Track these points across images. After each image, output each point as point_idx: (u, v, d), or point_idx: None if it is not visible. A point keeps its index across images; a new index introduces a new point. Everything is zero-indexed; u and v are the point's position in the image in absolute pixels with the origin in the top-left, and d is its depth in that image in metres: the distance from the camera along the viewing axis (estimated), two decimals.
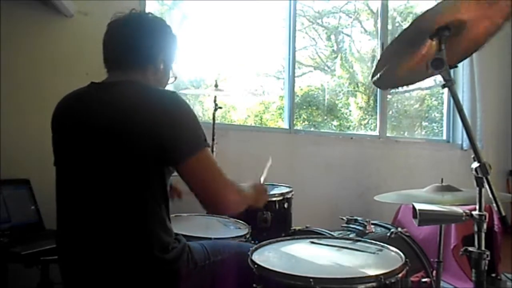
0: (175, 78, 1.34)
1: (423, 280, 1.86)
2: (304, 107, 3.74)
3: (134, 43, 1.20)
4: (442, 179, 1.65)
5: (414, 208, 1.11)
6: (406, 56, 1.21)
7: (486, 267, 1.05)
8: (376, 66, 1.25)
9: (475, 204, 1.06)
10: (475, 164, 1.03)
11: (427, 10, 1.05)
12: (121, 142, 1.08)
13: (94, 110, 1.14)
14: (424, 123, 4.64)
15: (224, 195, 1.10)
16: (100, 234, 1.10)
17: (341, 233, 1.97)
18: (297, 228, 2.02)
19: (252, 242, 1.63)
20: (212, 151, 2.26)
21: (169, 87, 1.37)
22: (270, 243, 1.42)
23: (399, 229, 2.05)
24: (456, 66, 1.23)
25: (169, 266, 1.12)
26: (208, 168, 1.10)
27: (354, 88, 4.09)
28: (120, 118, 1.09)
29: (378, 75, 1.25)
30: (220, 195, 1.09)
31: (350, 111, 4.07)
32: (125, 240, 1.09)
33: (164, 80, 1.30)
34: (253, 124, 3.56)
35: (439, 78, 1.09)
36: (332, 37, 4.05)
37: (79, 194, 1.13)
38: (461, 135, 4.17)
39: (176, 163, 1.09)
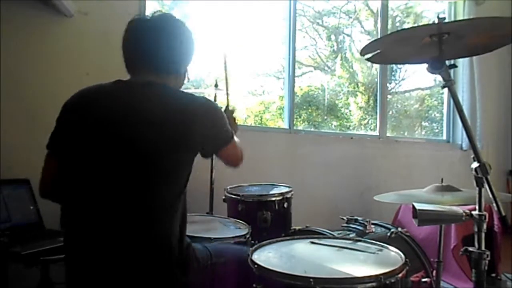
0: (188, 79, 1.40)
1: (423, 280, 1.86)
2: (304, 107, 3.74)
3: (162, 54, 1.23)
4: (442, 179, 1.65)
5: (414, 208, 1.11)
6: (403, 45, 1.22)
7: (486, 267, 1.05)
8: (367, 46, 1.24)
9: (475, 204, 1.06)
10: (475, 164, 1.04)
11: (425, 25, 1.06)
12: (163, 139, 1.12)
13: (132, 108, 1.15)
14: (424, 123, 4.64)
15: (241, 160, 1.38)
16: (118, 230, 1.10)
17: (341, 233, 1.97)
18: (297, 228, 2.02)
19: (253, 242, 1.64)
20: None
21: None
22: (270, 243, 1.42)
23: (399, 229, 2.05)
24: (456, 66, 1.23)
25: (177, 263, 1.14)
26: (235, 152, 1.33)
27: (354, 88, 4.08)
28: (163, 117, 1.13)
29: (371, 54, 1.26)
30: (239, 161, 1.37)
31: (350, 111, 4.07)
32: (140, 235, 1.10)
33: (183, 82, 1.37)
34: (253, 124, 3.56)
35: (439, 78, 1.10)
36: (332, 37, 4.05)
37: (102, 190, 1.12)
38: (461, 135, 4.17)
39: (213, 154, 1.29)
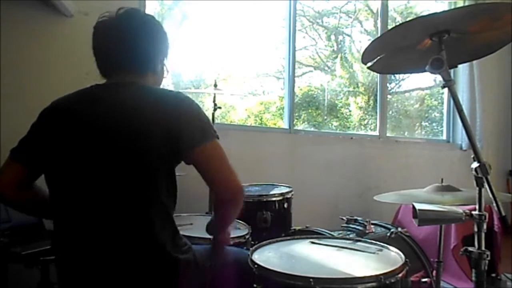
0: (168, 72, 1.34)
1: (423, 280, 1.86)
2: (304, 107, 3.74)
3: (135, 52, 1.20)
4: (442, 179, 1.65)
5: (414, 208, 1.11)
6: (404, 48, 1.21)
7: (486, 267, 1.05)
8: (369, 50, 1.23)
9: (475, 204, 1.06)
10: (475, 164, 1.03)
11: (427, 15, 1.05)
12: (135, 143, 1.09)
13: (103, 112, 1.13)
14: (424, 123, 4.64)
15: (233, 179, 1.12)
16: (113, 233, 1.09)
17: (341, 233, 1.97)
18: (297, 228, 2.02)
19: (253, 243, 1.64)
20: None
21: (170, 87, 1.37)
22: (270, 243, 1.42)
23: (399, 229, 2.05)
24: (456, 66, 1.23)
25: (175, 266, 1.13)
26: (216, 158, 1.12)
27: (354, 88, 4.09)
28: (132, 119, 1.10)
29: (373, 62, 1.26)
30: (230, 180, 1.12)
31: (350, 111, 4.07)
32: (137, 238, 1.09)
33: (161, 78, 1.32)
34: (253, 124, 3.56)
35: (439, 78, 1.10)
36: (332, 37, 4.05)
37: (90, 194, 1.10)
38: (461, 135, 4.17)
39: (185, 154, 1.11)
